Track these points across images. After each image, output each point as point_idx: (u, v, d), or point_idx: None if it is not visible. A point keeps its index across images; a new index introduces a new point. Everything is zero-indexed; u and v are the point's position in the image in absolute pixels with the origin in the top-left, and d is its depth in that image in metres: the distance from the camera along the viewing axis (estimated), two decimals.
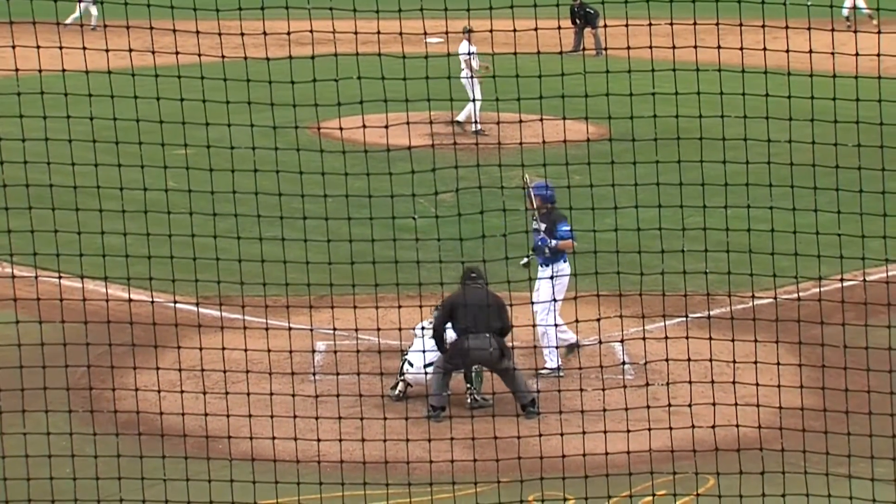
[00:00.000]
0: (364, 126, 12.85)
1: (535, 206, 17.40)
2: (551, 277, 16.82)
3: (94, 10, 45.57)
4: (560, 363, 17.06)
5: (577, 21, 45.99)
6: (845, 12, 46.88)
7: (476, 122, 31.94)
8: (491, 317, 16.13)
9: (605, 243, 13.41)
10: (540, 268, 17.50)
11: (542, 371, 16.93)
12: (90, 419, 14.75)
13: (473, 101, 31.93)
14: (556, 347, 16.78)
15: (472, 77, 32.33)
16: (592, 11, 45.50)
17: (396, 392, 16.68)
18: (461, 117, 32.29)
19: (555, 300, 16.34)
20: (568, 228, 17.22)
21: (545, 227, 17.36)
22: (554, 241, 17.21)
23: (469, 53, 32.50)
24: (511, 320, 16.15)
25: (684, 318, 16.67)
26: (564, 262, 17.33)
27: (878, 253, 14.63)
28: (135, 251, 13.54)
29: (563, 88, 12.91)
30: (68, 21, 42.95)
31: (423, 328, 16.72)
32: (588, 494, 11.89)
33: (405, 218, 14.67)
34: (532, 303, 16.76)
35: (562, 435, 12.92)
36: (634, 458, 12.93)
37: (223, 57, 12.44)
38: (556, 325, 16.32)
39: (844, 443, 12.23)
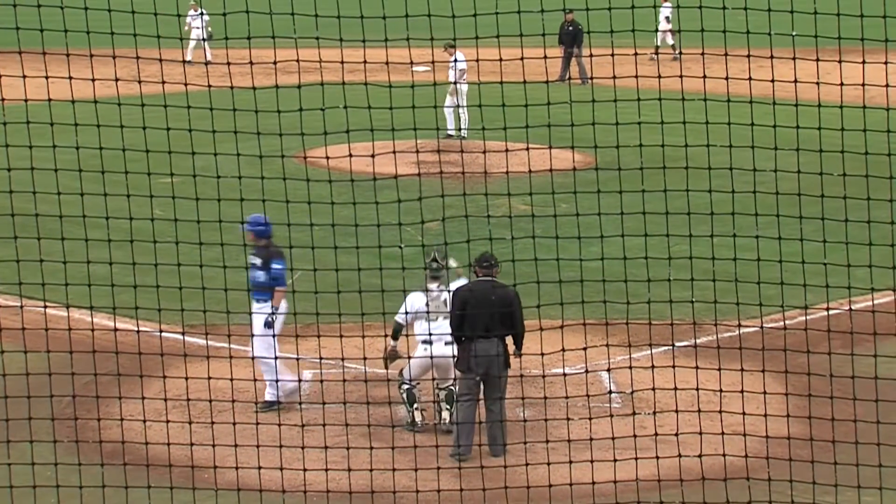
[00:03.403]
0: (350, 155, 12.86)
1: (250, 241, 16.24)
2: (271, 314, 15.89)
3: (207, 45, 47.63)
4: (281, 396, 16.21)
5: (564, 41, 46.15)
6: (663, 40, 48.67)
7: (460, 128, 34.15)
8: (504, 315, 15.00)
9: (592, 272, 13.42)
10: (255, 303, 16.35)
11: (260, 403, 16.11)
12: (75, 449, 14.69)
13: (460, 107, 34.17)
14: (277, 381, 15.89)
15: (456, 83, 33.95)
16: (582, 28, 45.82)
17: (418, 422, 15.97)
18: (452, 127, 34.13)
19: (274, 335, 15.36)
20: (281, 267, 16.17)
21: (260, 262, 16.30)
22: (274, 315, 16.14)
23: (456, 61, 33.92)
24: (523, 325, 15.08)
25: (671, 347, 16.67)
26: (271, 298, 16.26)
27: (864, 282, 14.65)
28: (120, 280, 13.52)
29: (549, 117, 12.94)
30: (189, 57, 45.06)
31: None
32: None
33: (392, 247, 14.66)
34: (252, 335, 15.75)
35: (548, 464, 12.89)
36: (621, 488, 12.91)
37: (209, 86, 12.44)
38: (276, 358, 15.39)
39: (831, 472, 12.22)
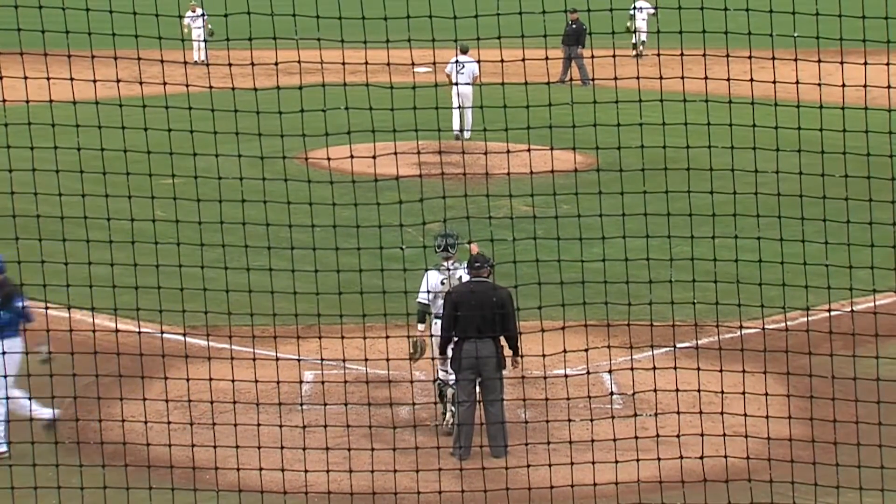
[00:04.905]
0: (352, 156, 12.86)
1: None
2: (2, 353, 14.69)
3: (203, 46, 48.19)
4: (7, 444, 15.33)
5: (568, 40, 46.10)
6: (643, 38, 49.07)
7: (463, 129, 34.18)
8: (495, 316, 14.92)
9: (593, 273, 13.41)
10: None
11: None
12: (76, 450, 14.69)
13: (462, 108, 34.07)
14: (8, 422, 15.19)
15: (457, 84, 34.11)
16: (585, 28, 45.81)
17: (446, 424, 15.81)
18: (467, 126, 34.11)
19: (5, 376, 14.49)
20: (21, 304, 15.52)
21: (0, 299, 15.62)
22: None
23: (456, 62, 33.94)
24: (518, 326, 15.07)
25: (672, 348, 16.66)
26: (17, 336, 15.50)
27: (866, 283, 14.65)
28: (122, 281, 13.52)
29: (550, 118, 12.94)
30: (196, 58, 45.88)
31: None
32: None
33: (393, 248, 14.65)
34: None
35: (550, 465, 12.88)
36: (622, 489, 12.90)
37: (211, 87, 12.44)
38: (7, 399, 14.84)
39: (833, 473, 12.21)
